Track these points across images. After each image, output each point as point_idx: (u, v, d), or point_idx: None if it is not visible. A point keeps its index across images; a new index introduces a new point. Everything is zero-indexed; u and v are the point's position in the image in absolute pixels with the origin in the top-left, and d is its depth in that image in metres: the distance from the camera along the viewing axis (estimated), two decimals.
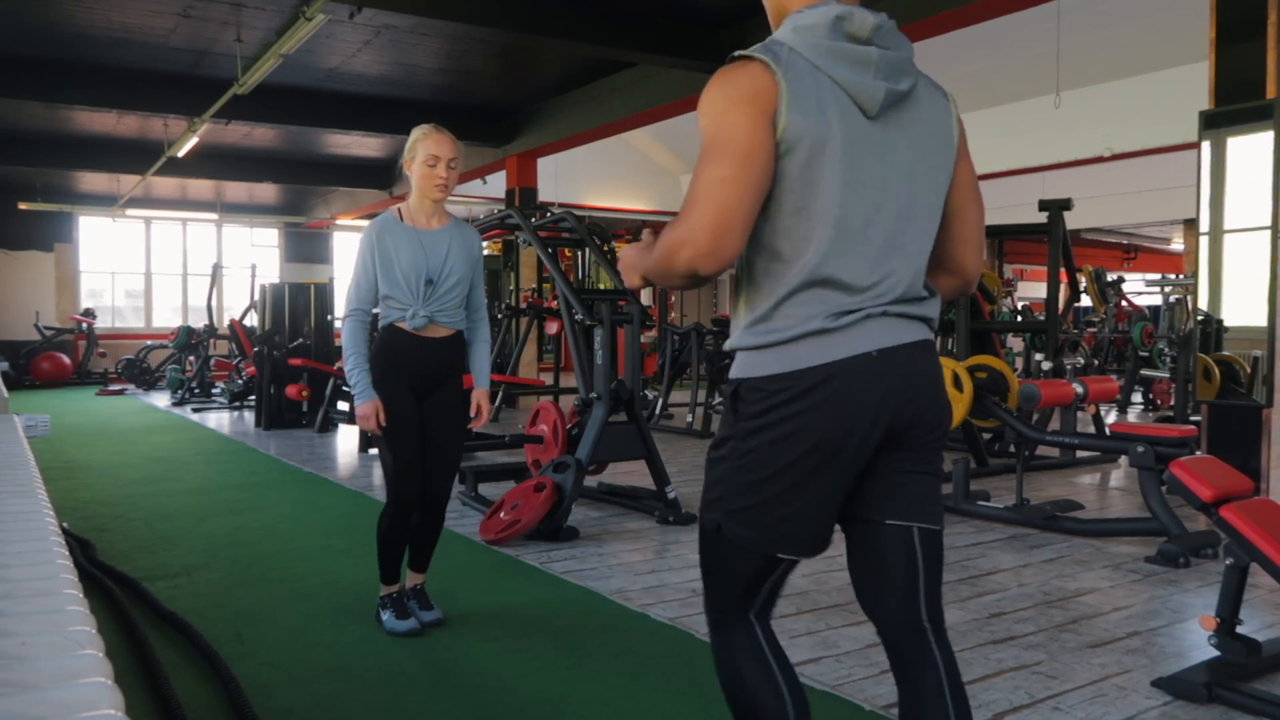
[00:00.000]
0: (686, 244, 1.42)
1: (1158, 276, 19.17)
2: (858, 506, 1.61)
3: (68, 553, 1.80)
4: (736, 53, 1.50)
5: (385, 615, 3.32)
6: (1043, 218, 7.31)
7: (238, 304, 17.33)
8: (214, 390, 13.13)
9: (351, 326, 3.16)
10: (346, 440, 8.77)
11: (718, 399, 9.49)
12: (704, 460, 1.60)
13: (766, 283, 1.53)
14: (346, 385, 9.48)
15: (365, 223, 19.99)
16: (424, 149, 3.10)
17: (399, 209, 3.23)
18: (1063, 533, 4.89)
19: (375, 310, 3.24)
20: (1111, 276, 13.03)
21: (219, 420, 10.66)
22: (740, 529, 1.58)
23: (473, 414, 3.34)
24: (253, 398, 10.86)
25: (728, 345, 1.61)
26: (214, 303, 14.76)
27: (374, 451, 7.67)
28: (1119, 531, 4.78)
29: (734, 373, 1.59)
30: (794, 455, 1.51)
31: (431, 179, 3.12)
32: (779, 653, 1.68)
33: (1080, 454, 7.24)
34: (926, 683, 1.61)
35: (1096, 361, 11.71)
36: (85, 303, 17.52)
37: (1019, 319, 12.33)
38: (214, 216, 18.84)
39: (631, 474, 6.28)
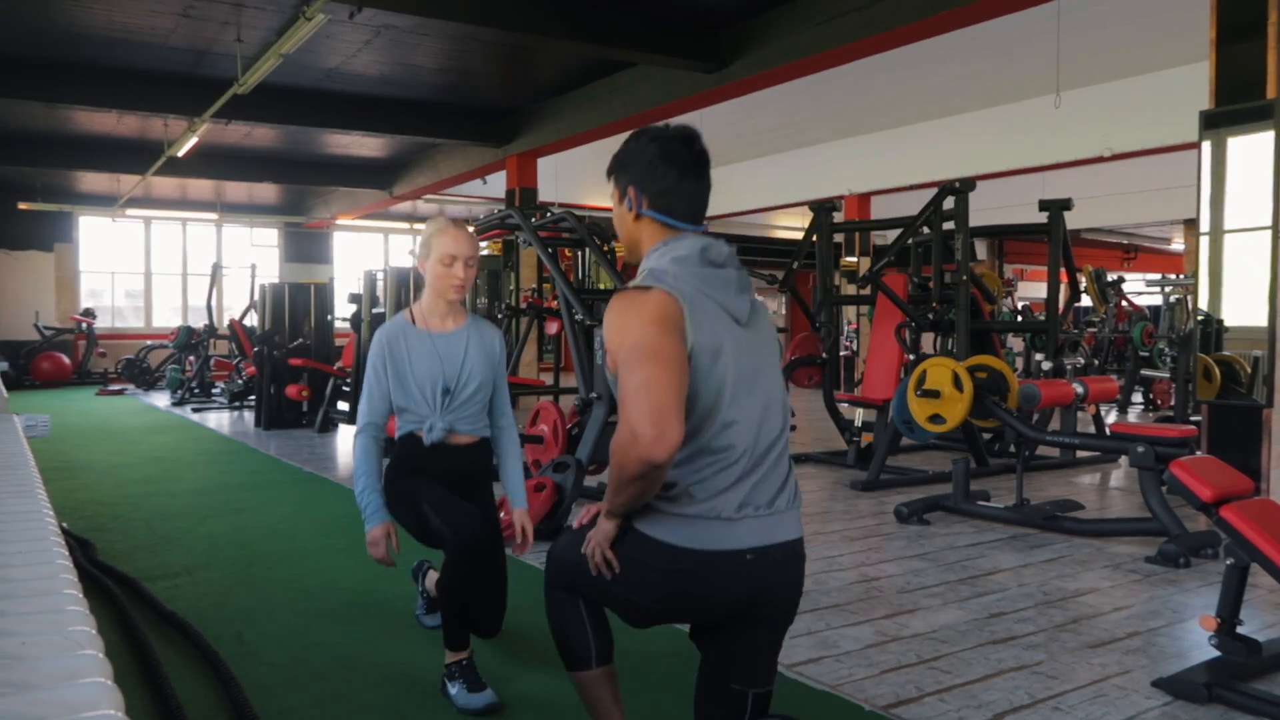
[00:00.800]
0: (635, 440, 1.69)
1: (1158, 276, 19.17)
2: (712, 654, 1.97)
3: (68, 553, 1.80)
4: (636, 283, 1.82)
5: (453, 689, 2.72)
6: (1043, 218, 7.31)
7: (238, 304, 17.31)
8: (214, 390, 13.12)
9: (363, 444, 2.87)
10: (346, 440, 8.77)
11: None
12: None
13: (678, 465, 1.81)
14: (346, 385, 9.53)
15: (366, 223, 20.06)
16: (440, 246, 2.83)
17: (410, 311, 2.97)
18: (1063, 533, 4.89)
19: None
20: (1111, 276, 13.03)
21: (219, 420, 10.66)
22: (596, 594, 2.02)
23: (517, 540, 2.94)
24: (253, 398, 10.86)
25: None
26: (214, 303, 14.76)
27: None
28: (1119, 531, 4.78)
29: (637, 520, 1.87)
30: (658, 599, 1.89)
31: (448, 279, 2.85)
32: (598, 614, 2.09)
33: (1080, 454, 7.24)
34: None
35: (1096, 361, 11.71)
36: (85, 303, 17.51)
37: (1019, 319, 12.33)
38: (214, 216, 18.83)
39: None
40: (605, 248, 9.90)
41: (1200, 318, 5.35)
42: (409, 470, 2.93)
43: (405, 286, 9.04)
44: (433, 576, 3.39)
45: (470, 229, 2.94)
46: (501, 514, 3.71)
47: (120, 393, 14.32)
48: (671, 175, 1.90)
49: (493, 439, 3.07)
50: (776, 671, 2.00)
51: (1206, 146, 5.23)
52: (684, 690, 2.82)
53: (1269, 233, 4.94)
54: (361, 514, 2.82)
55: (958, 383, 5.40)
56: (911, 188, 13.36)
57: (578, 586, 2.03)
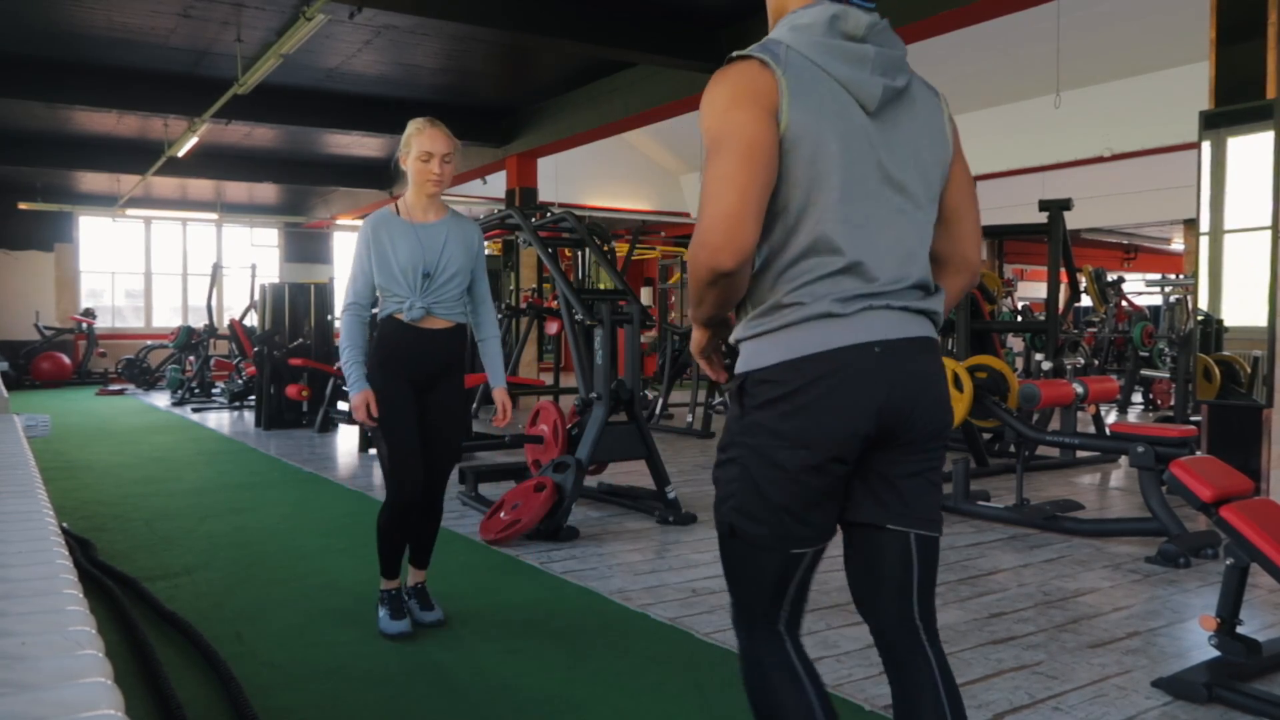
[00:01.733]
0: (702, 245, 1.45)
1: (1158, 276, 19.17)
2: (858, 509, 1.62)
3: (68, 553, 1.80)
4: (735, 53, 1.51)
5: (381, 613, 3.31)
6: (1043, 218, 7.31)
7: (238, 304, 17.32)
8: (214, 390, 13.12)
9: (348, 320, 3.16)
10: (346, 440, 8.77)
11: (718, 399, 9.49)
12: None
13: (770, 274, 1.54)
14: (346, 385, 9.51)
15: (368, 217, 20.01)
16: (418, 144, 3.10)
17: (396, 204, 3.24)
18: (1063, 533, 4.89)
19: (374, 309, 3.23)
20: (1111, 276, 13.03)
21: (219, 420, 10.65)
22: (753, 527, 1.57)
23: (499, 414, 3.33)
24: (253, 398, 10.86)
25: (733, 338, 1.61)
26: (214, 303, 14.76)
27: (374, 451, 7.67)
28: (1119, 531, 4.78)
29: (739, 366, 1.59)
30: (796, 447, 1.51)
31: (425, 174, 3.12)
32: (810, 667, 1.65)
33: (1080, 454, 7.24)
34: (919, 681, 1.62)
35: (1096, 361, 11.71)
36: (85, 303, 17.51)
37: (1019, 319, 12.32)
38: (214, 216, 18.84)
39: (631, 474, 6.27)
40: (605, 248, 9.90)
41: (1200, 318, 5.35)
42: (388, 358, 3.17)
43: None
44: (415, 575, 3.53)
45: (449, 135, 3.16)
46: (501, 513, 3.71)
47: (120, 393, 14.32)
48: None
49: (473, 320, 3.35)
50: (941, 520, 1.67)
51: (1206, 146, 5.24)
52: (682, 690, 2.82)
53: (1269, 233, 4.94)
54: (346, 380, 3.15)
55: (958, 383, 5.40)
56: None
57: (734, 503, 1.58)
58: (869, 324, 1.51)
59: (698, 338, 1.70)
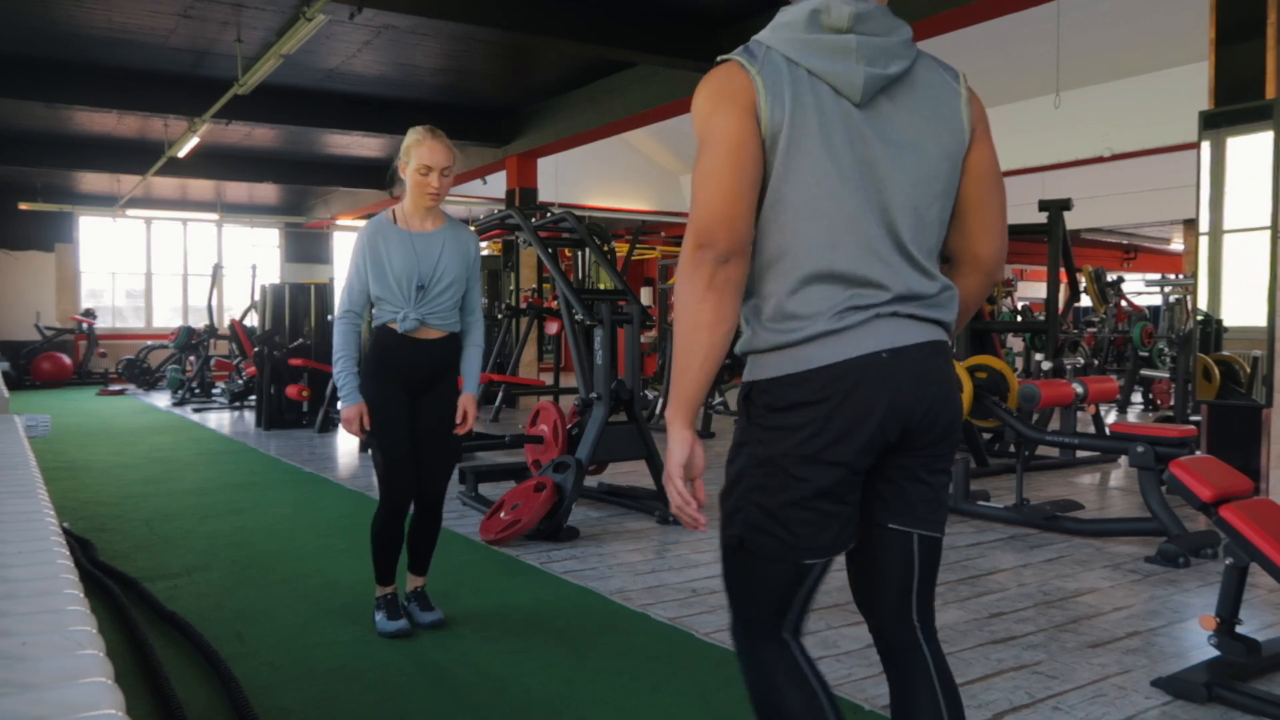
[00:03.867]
0: (693, 239, 1.46)
1: (1158, 276, 19.17)
2: (863, 508, 1.60)
3: (68, 553, 1.80)
4: (719, 57, 1.54)
5: (377, 616, 3.30)
6: (1043, 218, 7.31)
7: (238, 304, 17.32)
8: (214, 390, 13.12)
9: (342, 329, 3.15)
10: (346, 440, 8.77)
11: (718, 399, 9.49)
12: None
13: (769, 282, 1.52)
14: (339, 395, 9.51)
15: (365, 223, 20.03)
16: (417, 157, 3.08)
17: (393, 211, 3.21)
18: (1063, 533, 4.89)
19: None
20: (1111, 276, 13.03)
21: (219, 420, 10.66)
22: (764, 539, 1.54)
23: (458, 420, 3.26)
24: (253, 398, 10.87)
25: (738, 349, 1.58)
26: (214, 303, 14.76)
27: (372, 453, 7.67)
28: (1119, 531, 4.78)
29: (746, 375, 1.57)
30: (808, 459, 1.48)
31: (423, 187, 3.11)
32: (815, 667, 1.61)
33: (1080, 454, 7.24)
34: (917, 681, 1.62)
35: (1096, 361, 11.71)
36: (85, 303, 17.51)
37: (1019, 319, 12.32)
38: (214, 216, 18.83)
39: (631, 474, 6.28)
40: (605, 248, 9.90)
41: (1200, 318, 5.35)
42: (381, 365, 3.16)
43: None
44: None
45: (449, 147, 3.14)
46: (501, 513, 3.69)
47: (120, 393, 14.32)
48: None
49: (461, 330, 3.30)
50: (945, 523, 1.67)
51: (1206, 146, 5.24)
52: (683, 691, 2.82)
53: (1268, 233, 4.94)
54: (338, 392, 3.14)
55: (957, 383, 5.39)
56: None
57: (744, 515, 1.55)
58: (874, 333, 1.49)
59: (681, 447, 1.51)
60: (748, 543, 1.55)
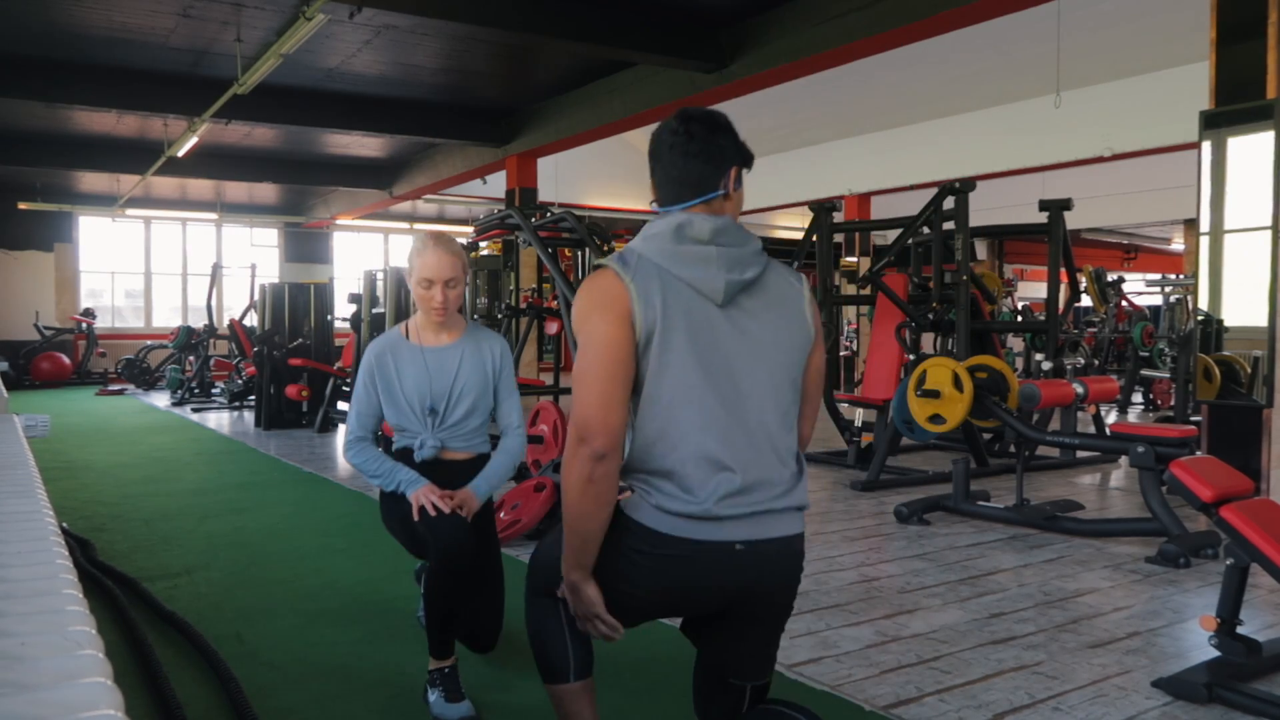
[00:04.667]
0: (576, 433, 1.68)
1: (1158, 276, 19.17)
2: (708, 644, 1.93)
3: (68, 553, 1.80)
4: (596, 261, 1.77)
5: (432, 696, 2.66)
6: (1043, 218, 7.31)
7: (238, 304, 17.32)
8: (214, 390, 13.12)
9: (359, 450, 2.79)
10: None
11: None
12: None
13: (653, 458, 1.74)
14: (346, 385, 9.52)
15: (366, 223, 20.06)
16: (418, 269, 2.73)
17: (405, 325, 2.89)
18: (1063, 533, 4.89)
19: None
20: (1111, 276, 13.03)
21: (219, 420, 10.65)
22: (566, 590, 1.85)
23: (452, 498, 2.71)
24: (252, 398, 10.86)
25: (624, 478, 1.78)
26: (214, 303, 14.76)
27: None
28: (1119, 531, 4.78)
29: (626, 506, 1.78)
30: (644, 592, 1.79)
31: (428, 302, 2.76)
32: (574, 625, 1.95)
33: (1080, 454, 7.24)
34: None
35: (1097, 361, 11.71)
36: (85, 303, 17.51)
37: (1019, 319, 12.32)
38: (214, 216, 18.83)
39: None
40: (605, 248, 9.89)
41: (1200, 318, 5.35)
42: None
43: (405, 286, 9.04)
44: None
45: (462, 241, 2.87)
46: (501, 513, 3.65)
47: (120, 393, 14.32)
48: (658, 165, 1.82)
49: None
50: (774, 665, 1.97)
51: (1206, 146, 5.23)
52: (683, 691, 2.82)
53: (1269, 233, 4.94)
54: (398, 489, 2.72)
55: (958, 383, 5.40)
56: (911, 188, 13.37)
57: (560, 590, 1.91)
58: (735, 526, 1.72)
59: (591, 593, 1.79)
60: (551, 588, 1.92)
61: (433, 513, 2.63)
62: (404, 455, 2.85)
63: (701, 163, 1.77)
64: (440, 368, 2.80)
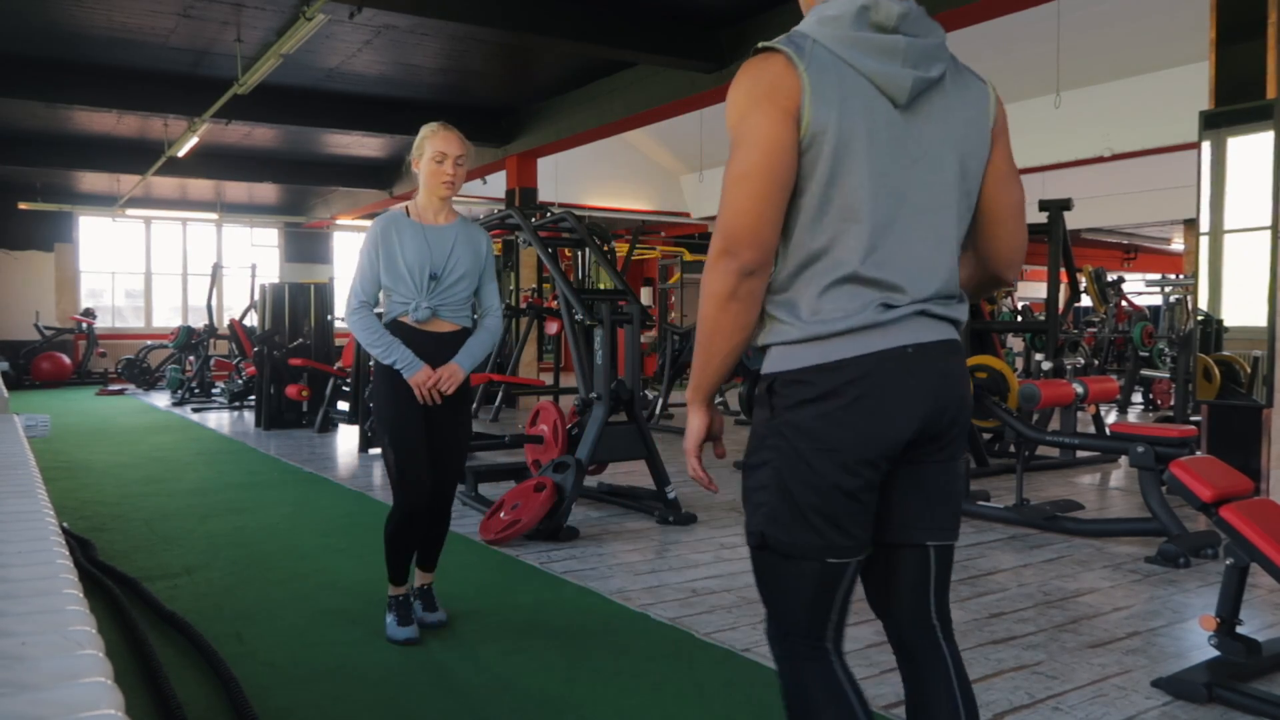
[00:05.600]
0: (722, 244, 1.44)
1: (1158, 276, 19.17)
2: (878, 516, 1.57)
3: (68, 552, 1.80)
4: (761, 44, 1.48)
5: (389, 618, 3.29)
6: (1043, 218, 7.31)
7: (238, 304, 17.32)
8: (214, 390, 13.12)
9: (361, 318, 3.14)
10: (346, 440, 8.77)
11: (718, 399, 9.47)
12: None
13: (799, 280, 1.50)
14: (346, 385, 9.52)
15: (366, 223, 20.03)
16: (431, 146, 3.13)
17: (406, 206, 3.25)
18: (1063, 533, 4.89)
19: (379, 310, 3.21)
20: (1111, 276, 13.03)
21: (219, 420, 10.65)
22: (786, 535, 1.51)
23: (439, 377, 3.11)
24: (253, 398, 10.86)
25: (761, 340, 1.55)
26: (214, 303, 14.76)
27: (374, 451, 7.67)
28: (1119, 531, 4.78)
29: (767, 368, 1.54)
30: (833, 452, 1.47)
31: (439, 175, 3.15)
32: (856, 687, 1.59)
33: (1080, 454, 7.24)
34: (936, 680, 1.62)
35: (1097, 361, 11.71)
36: (85, 303, 17.50)
37: (1019, 319, 12.32)
38: (214, 216, 18.83)
39: (631, 474, 6.27)
40: (605, 247, 9.90)
41: (1200, 318, 5.35)
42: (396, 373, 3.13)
43: None
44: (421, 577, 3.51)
45: (462, 138, 3.19)
46: (501, 513, 3.66)
47: (120, 393, 14.32)
48: None
49: (478, 321, 3.34)
50: (959, 524, 1.66)
51: (1206, 146, 5.23)
52: (684, 691, 2.82)
53: (1269, 233, 4.94)
54: (395, 365, 3.09)
55: None
56: None
57: (766, 511, 1.52)
58: (899, 330, 1.49)
59: (698, 424, 1.58)
60: (769, 539, 1.53)
61: (429, 402, 3.09)
62: (395, 327, 3.17)
63: None
64: (439, 242, 3.18)
